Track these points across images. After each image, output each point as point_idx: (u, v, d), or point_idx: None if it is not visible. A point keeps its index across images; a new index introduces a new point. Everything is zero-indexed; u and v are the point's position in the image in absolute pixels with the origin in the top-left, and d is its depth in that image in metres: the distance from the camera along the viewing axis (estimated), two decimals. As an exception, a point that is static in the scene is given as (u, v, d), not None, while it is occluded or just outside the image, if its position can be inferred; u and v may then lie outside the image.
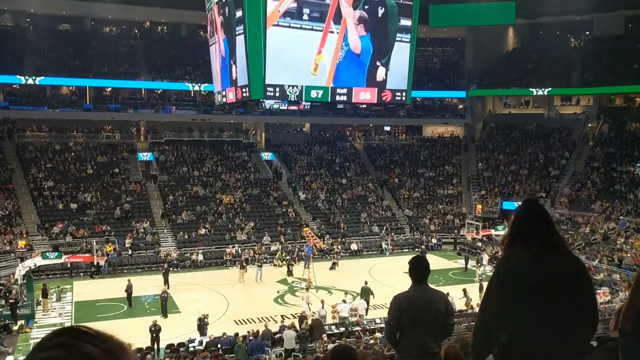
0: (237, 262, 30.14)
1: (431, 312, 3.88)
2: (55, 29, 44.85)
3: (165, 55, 45.37)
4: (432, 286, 4.13)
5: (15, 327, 21.08)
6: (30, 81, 38.82)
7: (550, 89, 44.37)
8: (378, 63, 18.93)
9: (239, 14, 17.35)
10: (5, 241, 29.87)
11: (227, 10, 18.36)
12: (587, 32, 47.72)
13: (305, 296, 23.12)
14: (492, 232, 33.04)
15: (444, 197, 42.21)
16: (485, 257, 30.27)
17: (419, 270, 4.04)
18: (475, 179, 43.45)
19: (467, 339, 4.00)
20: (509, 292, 2.45)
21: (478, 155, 45.68)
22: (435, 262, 28.36)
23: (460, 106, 50.88)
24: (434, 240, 36.53)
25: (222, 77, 20.47)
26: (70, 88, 42.84)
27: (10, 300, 21.73)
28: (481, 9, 41.79)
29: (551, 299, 2.41)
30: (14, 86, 40.77)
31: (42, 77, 39.45)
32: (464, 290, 22.77)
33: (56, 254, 25.40)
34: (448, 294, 19.94)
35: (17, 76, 39.03)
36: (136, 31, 47.04)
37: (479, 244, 34.49)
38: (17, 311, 21.74)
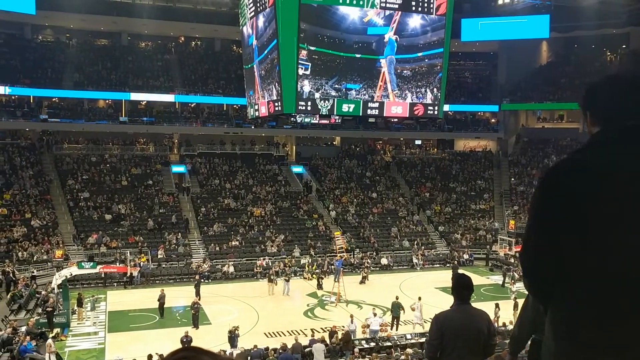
0: (266, 275, 30.24)
1: (473, 331, 3.86)
2: (93, 44, 46.20)
3: (199, 70, 46.19)
4: (474, 305, 4.11)
5: (52, 335, 21.47)
6: (68, 95, 39.94)
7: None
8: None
9: (272, 30, 17.59)
10: (43, 250, 30.64)
11: (261, 27, 18.63)
12: (624, 46, 46.90)
13: (419, 305, 22.29)
14: (526, 248, 32.42)
15: (476, 212, 41.73)
16: (518, 274, 29.75)
17: (460, 290, 4.03)
18: (507, 194, 42.86)
19: (502, 356, 4.03)
20: None
21: (511, 170, 45.10)
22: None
23: (493, 120, 50.40)
24: (466, 256, 36.09)
25: (254, 91, 20.73)
26: (107, 101, 43.89)
27: (48, 309, 22.20)
28: (514, 22, 41.53)
29: None
30: (54, 99, 41.96)
31: (80, 91, 40.60)
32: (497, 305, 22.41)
33: (91, 264, 25.92)
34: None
35: (57, 90, 40.23)
36: (171, 46, 48.01)
37: (512, 260, 33.94)
38: (54, 319, 22.19)
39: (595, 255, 1.52)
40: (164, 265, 31.89)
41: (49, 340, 18.99)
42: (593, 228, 1.51)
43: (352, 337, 19.78)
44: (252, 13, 19.50)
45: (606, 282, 1.51)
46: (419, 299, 22.59)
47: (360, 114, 19.31)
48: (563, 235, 1.56)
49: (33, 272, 27.99)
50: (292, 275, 30.45)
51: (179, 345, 19.06)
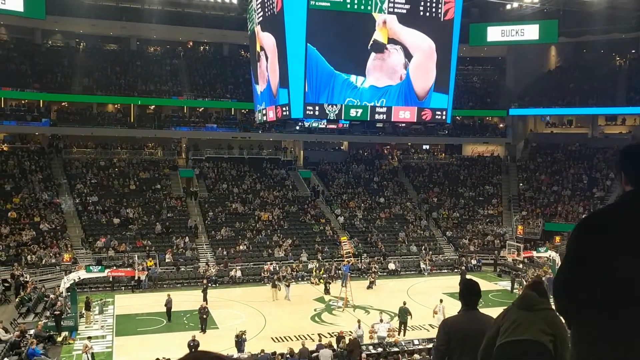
0: (270, 280, 30.10)
1: (480, 337, 3.81)
2: (103, 48, 46.47)
3: (207, 74, 46.37)
4: (482, 311, 4.09)
5: (59, 339, 21.58)
6: (78, 99, 40.20)
7: (593, 107, 43.49)
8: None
9: (280, 35, 17.62)
10: (51, 254, 30.79)
11: (268, 32, 18.67)
12: (633, 50, 46.66)
13: (441, 307, 22.17)
14: (534, 253, 32.30)
15: (484, 217, 41.56)
16: (526, 280, 29.57)
17: (469, 296, 4.01)
18: (516, 200, 42.66)
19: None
20: None
21: (519, 175, 44.90)
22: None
23: (501, 125, 50.24)
24: (474, 261, 35.91)
25: (262, 96, 20.76)
26: (116, 106, 44.09)
27: (56, 312, 22.30)
28: (523, 27, 41.41)
29: None
30: (63, 104, 42.22)
31: (90, 95, 40.84)
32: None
33: (99, 267, 25.96)
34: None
35: (66, 94, 40.48)
36: (179, 51, 48.23)
37: (520, 266, 33.77)
38: (62, 323, 22.27)
39: (620, 286, 1.75)
40: (178, 270, 31.96)
41: (86, 341, 19.53)
42: (617, 264, 1.77)
43: (360, 342, 19.71)
44: (260, 18, 19.57)
45: (630, 305, 1.73)
46: (441, 301, 22.71)
47: (368, 119, 19.25)
48: (593, 268, 1.82)
49: (25, 277, 27.83)
50: (292, 280, 30.24)
51: (186, 350, 19.07)
